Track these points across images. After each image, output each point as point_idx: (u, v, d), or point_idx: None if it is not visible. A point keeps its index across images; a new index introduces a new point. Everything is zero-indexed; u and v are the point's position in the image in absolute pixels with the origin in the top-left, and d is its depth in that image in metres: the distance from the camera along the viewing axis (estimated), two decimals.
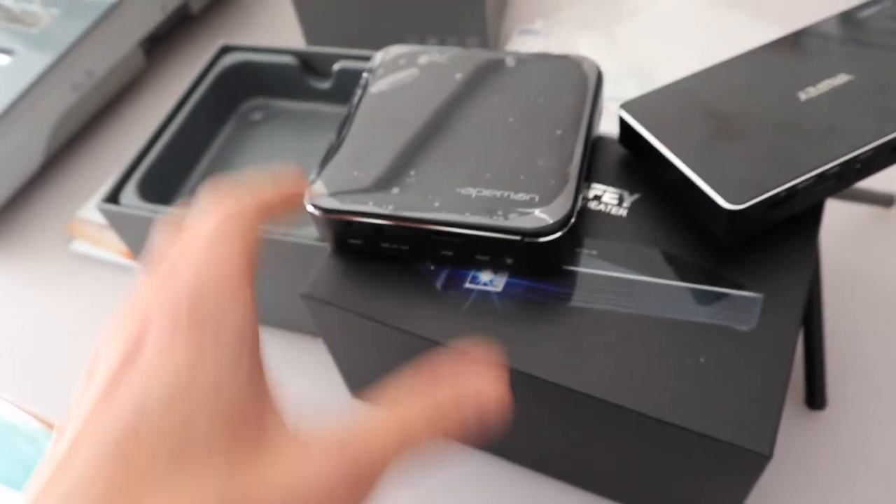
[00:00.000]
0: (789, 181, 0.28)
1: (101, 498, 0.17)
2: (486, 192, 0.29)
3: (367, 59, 0.45)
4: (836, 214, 0.45)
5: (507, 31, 0.60)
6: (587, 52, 0.53)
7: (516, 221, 0.28)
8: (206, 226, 0.22)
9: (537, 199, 0.29)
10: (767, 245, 0.30)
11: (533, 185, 0.29)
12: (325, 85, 0.46)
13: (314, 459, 0.19)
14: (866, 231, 0.44)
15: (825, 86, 0.31)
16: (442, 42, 0.56)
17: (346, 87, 0.46)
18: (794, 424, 0.37)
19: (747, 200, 0.27)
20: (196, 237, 0.21)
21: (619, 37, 0.55)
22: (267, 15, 0.68)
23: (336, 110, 0.47)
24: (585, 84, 0.33)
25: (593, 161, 0.34)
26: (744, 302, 0.28)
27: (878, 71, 0.31)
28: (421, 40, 0.57)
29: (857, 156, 0.28)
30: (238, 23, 0.67)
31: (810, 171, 0.28)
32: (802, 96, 0.31)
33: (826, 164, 0.28)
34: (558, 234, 0.28)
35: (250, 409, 0.19)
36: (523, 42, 0.57)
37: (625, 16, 0.57)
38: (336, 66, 0.45)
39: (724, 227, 0.28)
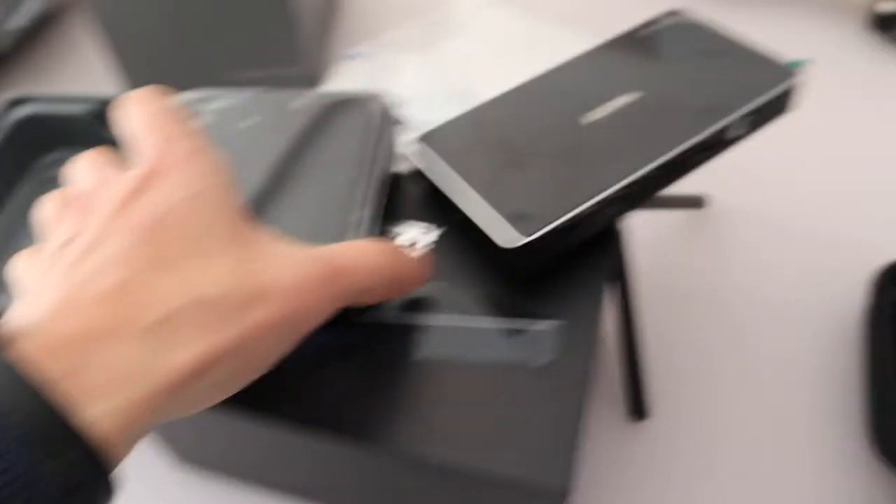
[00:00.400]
0: (571, 210, 0.28)
1: (140, 266, 0.20)
2: None
3: None
4: (650, 223, 0.46)
5: (332, 56, 0.59)
6: (410, 75, 0.53)
7: None
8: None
9: None
10: (563, 272, 0.30)
11: (318, 235, 0.28)
12: None
13: (301, 255, 0.23)
14: (681, 234, 0.46)
15: (612, 106, 0.32)
16: (263, 73, 0.55)
17: None
18: (619, 437, 0.37)
19: (531, 233, 0.27)
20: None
21: (442, 58, 0.55)
22: (79, 58, 0.63)
23: None
24: (372, 124, 0.32)
25: (396, 198, 0.33)
26: (540, 335, 0.28)
27: (663, 89, 0.32)
28: (240, 74, 0.55)
29: (640, 177, 0.29)
30: (47, 68, 0.63)
31: (592, 197, 0.28)
32: (589, 118, 0.32)
33: (608, 188, 0.29)
34: None
35: (248, 217, 0.23)
36: (348, 67, 0.56)
37: (447, 36, 0.57)
38: None
39: (511, 261, 0.28)
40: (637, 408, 0.37)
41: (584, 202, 0.28)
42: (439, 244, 0.31)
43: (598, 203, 0.29)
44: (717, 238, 0.45)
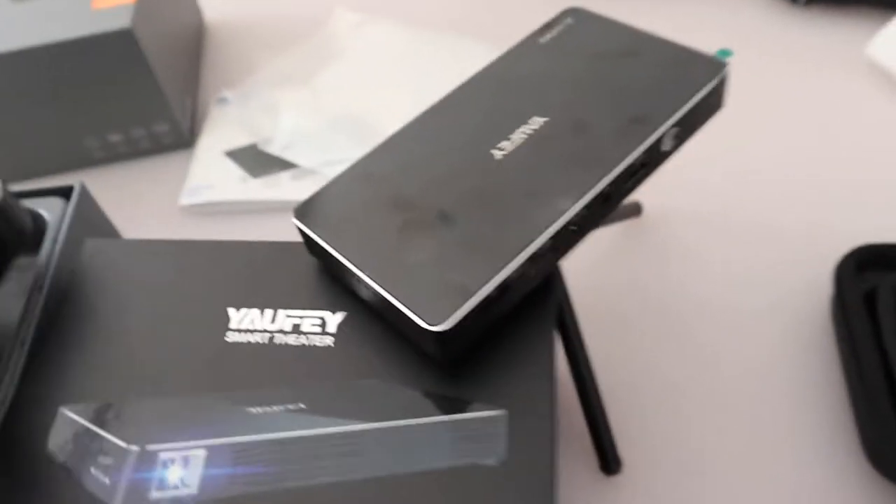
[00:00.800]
0: (496, 276, 0.22)
1: None
2: None
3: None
4: (594, 239, 0.42)
5: (205, 103, 0.53)
6: (291, 112, 0.47)
7: None
8: None
9: None
10: (500, 344, 0.24)
11: None
12: None
13: None
14: (620, 248, 0.41)
15: (525, 132, 0.27)
16: (127, 136, 0.47)
17: None
18: (595, 494, 0.33)
19: (451, 314, 0.22)
20: None
21: (324, 87, 0.49)
22: None
23: None
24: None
25: (280, 280, 0.27)
26: (486, 426, 0.23)
27: (572, 107, 0.27)
28: (103, 138, 0.47)
29: (575, 215, 0.24)
30: None
31: (518, 254, 0.23)
32: (501, 151, 0.26)
33: (538, 238, 0.23)
34: None
35: None
36: (221, 112, 0.50)
37: (328, 62, 0.51)
38: None
39: (434, 347, 0.22)
40: (606, 464, 0.32)
41: (511, 262, 0.23)
42: (342, 333, 0.25)
43: (531, 257, 0.23)
44: (660, 246, 0.41)
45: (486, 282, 0.22)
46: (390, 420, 0.23)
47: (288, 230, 0.43)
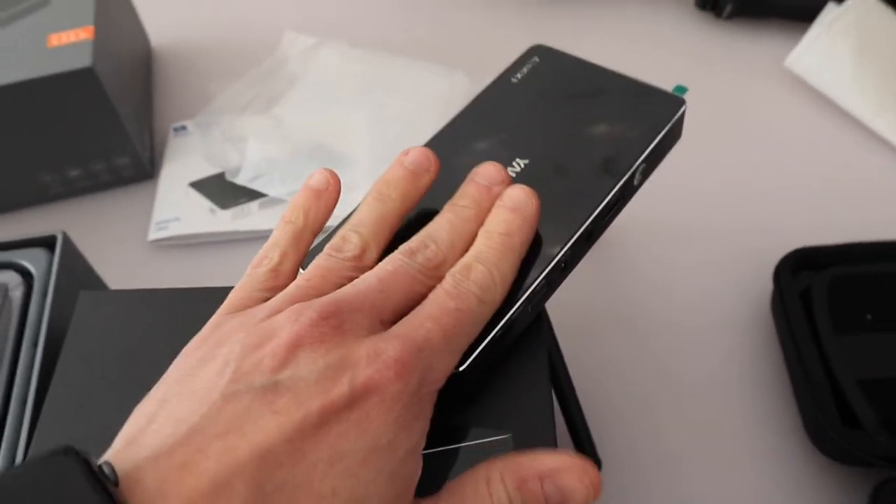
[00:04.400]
0: (503, 319, 0.25)
1: None
2: None
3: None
4: None
5: (162, 132, 0.53)
6: (258, 142, 0.47)
7: None
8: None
9: None
10: (502, 374, 0.27)
11: None
12: None
13: None
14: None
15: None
16: (86, 171, 0.47)
17: None
18: None
19: (468, 357, 0.24)
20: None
21: (285, 114, 0.50)
22: None
23: None
24: None
25: None
26: (496, 448, 0.25)
27: (549, 149, 0.30)
28: (61, 174, 0.47)
29: (561, 258, 0.26)
30: None
31: (520, 298, 0.25)
32: None
33: (530, 284, 0.26)
34: None
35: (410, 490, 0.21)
36: (180, 142, 0.50)
37: (284, 87, 0.52)
38: None
39: (452, 385, 0.25)
40: None
41: (515, 304, 0.25)
42: None
43: (528, 297, 0.26)
44: (608, 257, 0.44)
45: (496, 325, 0.24)
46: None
47: None
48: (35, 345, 0.31)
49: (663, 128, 0.30)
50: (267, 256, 0.25)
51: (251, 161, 0.46)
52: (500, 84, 0.33)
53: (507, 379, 0.27)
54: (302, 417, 0.19)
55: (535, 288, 0.26)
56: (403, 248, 0.24)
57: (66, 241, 0.35)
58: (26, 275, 0.34)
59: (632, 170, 0.29)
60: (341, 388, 0.20)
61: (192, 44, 0.59)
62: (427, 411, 0.22)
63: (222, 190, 0.46)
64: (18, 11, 0.46)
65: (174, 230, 0.45)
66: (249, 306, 0.23)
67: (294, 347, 0.20)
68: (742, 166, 0.48)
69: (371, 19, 0.60)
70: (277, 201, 0.46)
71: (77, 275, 0.35)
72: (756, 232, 0.45)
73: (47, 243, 0.34)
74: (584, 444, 0.35)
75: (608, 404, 0.38)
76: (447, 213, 0.25)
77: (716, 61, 0.55)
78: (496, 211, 0.25)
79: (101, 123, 0.45)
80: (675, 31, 0.57)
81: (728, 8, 0.56)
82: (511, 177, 0.28)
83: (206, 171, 0.48)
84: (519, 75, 0.33)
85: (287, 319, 0.21)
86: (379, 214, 0.25)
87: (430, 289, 0.23)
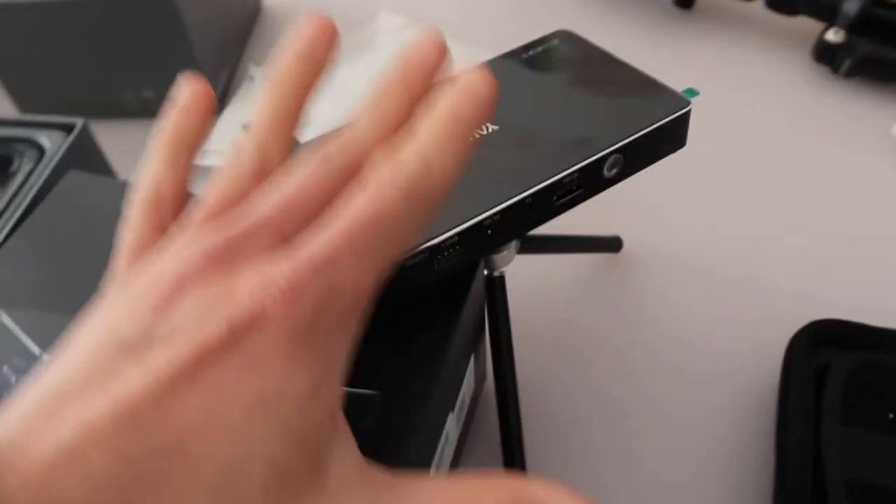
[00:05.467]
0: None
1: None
2: None
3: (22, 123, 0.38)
4: (567, 267, 0.42)
5: (241, 77, 0.55)
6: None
7: None
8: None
9: None
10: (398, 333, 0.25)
11: None
12: None
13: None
14: (594, 279, 0.41)
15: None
16: (158, 95, 0.50)
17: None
18: None
19: None
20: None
21: (344, 82, 0.51)
22: None
23: None
24: None
25: None
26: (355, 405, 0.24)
27: (526, 122, 0.28)
28: (137, 94, 0.51)
29: (483, 222, 0.25)
30: None
31: (421, 244, 0.24)
32: None
33: (440, 236, 0.24)
34: None
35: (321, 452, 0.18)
36: (248, 88, 0.52)
37: (356, 58, 0.53)
38: None
39: None
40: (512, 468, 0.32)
41: (411, 250, 0.23)
42: None
43: (431, 248, 0.24)
44: (631, 285, 0.41)
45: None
46: None
47: None
48: (11, 204, 0.33)
49: (652, 123, 0.27)
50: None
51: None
52: (510, 56, 0.32)
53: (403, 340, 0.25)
54: (172, 370, 0.16)
55: (442, 242, 0.24)
56: (316, 144, 0.21)
57: (84, 130, 0.37)
58: (43, 152, 0.36)
59: (599, 155, 0.26)
60: (218, 328, 0.16)
61: (300, 5, 0.61)
62: (336, 345, 0.18)
63: None
64: None
65: (214, 160, 0.47)
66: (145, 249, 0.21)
67: (172, 293, 0.17)
68: (813, 224, 0.43)
69: (485, 19, 0.60)
70: None
71: (89, 163, 0.37)
72: (797, 293, 0.39)
73: (69, 129, 0.37)
74: (513, 452, 0.32)
75: (586, 432, 0.35)
76: (369, 93, 0.21)
77: (823, 118, 0.50)
78: (445, 91, 0.19)
79: (176, 53, 0.47)
80: (784, 80, 0.53)
81: (846, 64, 0.51)
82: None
83: None
84: (531, 52, 0.32)
85: (169, 261, 0.18)
86: (271, 110, 0.21)
87: (346, 183, 0.19)
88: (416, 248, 0.24)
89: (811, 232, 0.43)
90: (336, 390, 0.19)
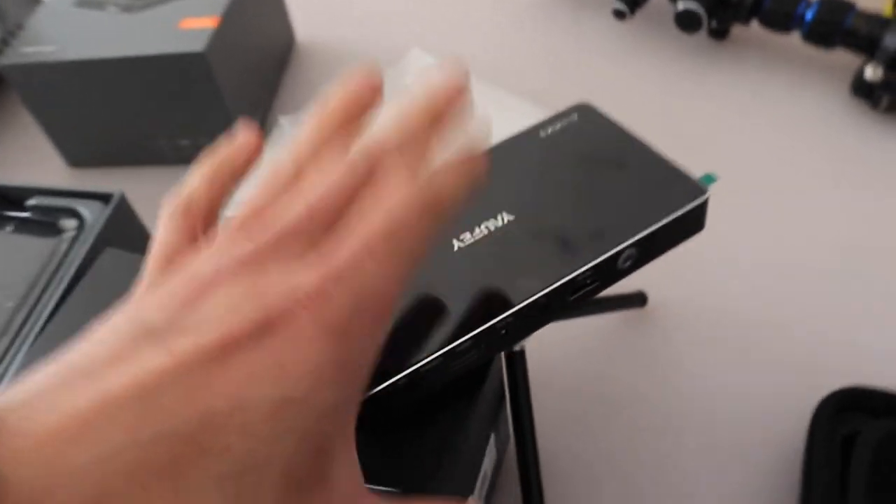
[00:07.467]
0: (407, 369, 0.24)
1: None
2: None
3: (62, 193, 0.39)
4: (592, 325, 0.42)
5: (274, 121, 0.56)
6: None
7: None
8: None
9: None
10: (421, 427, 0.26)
11: None
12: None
13: None
14: (625, 336, 0.41)
15: (483, 230, 0.28)
16: (195, 144, 0.52)
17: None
18: None
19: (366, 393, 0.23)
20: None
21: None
22: (18, 137, 0.60)
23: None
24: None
25: None
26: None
27: (541, 210, 0.28)
28: (173, 143, 0.52)
29: (498, 324, 0.25)
30: None
31: (436, 351, 0.24)
32: (456, 245, 0.27)
33: (456, 342, 0.24)
34: None
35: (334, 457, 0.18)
36: (277, 135, 0.53)
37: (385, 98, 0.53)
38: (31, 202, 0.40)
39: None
40: None
41: (428, 357, 0.24)
42: None
43: (447, 353, 0.24)
44: (655, 341, 0.41)
45: (399, 372, 0.24)
46: None
47: None
48: (53, 280, 0.35)
49: (668, 215, 0.27)
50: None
51: None
52: (527, 135, 0.32)
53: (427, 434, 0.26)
54: (197, 354, 0.16)
55: (457, 346, 0.24)
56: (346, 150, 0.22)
57: (122, 199, 0.38)
58: (83, 222, 0.38)
59: (614, 251, 0.26)
60: (246, 320, 0.17)
61: (335, 44, 0.62)
62: (360, 356, 0.19)
63: None
64: None
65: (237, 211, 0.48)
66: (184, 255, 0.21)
67: (203, 292, 0.18)
68: (846, 279, 0.42)
69: (514, 59, 0.60)
70: None
71: (124, 233, 0.39)
72: (828, 354, 0.39)
73: (106, 199, 0.38)
74: None
75: (594, 488, 0.36)
76: (392, 110, 0.23)
77: (861, 156, 0.49)
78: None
79: (209, 105, 0.49)
80: (820, 116, 0.51)
81: (885, 100, 0.49)
82: (492, 230, 0.27)
83: None
84: (550, 129, 0.32)
85: (202, 264, 0.19)
86: (315, 134, 0.23)
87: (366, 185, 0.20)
88: (431, 354, 0.24)
89: (850, 280, 0.42)
90: (355, 402, 0.19)
